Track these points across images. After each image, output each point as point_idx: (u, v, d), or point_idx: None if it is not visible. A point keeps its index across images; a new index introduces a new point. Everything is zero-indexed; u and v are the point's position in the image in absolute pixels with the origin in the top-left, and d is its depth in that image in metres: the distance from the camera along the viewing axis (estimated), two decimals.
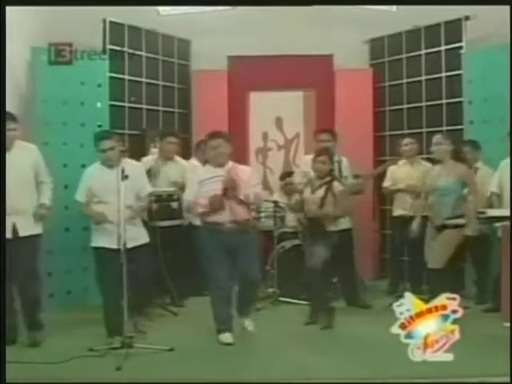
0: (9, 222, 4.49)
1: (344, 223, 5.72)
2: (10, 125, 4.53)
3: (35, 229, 4.69)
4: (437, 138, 5.17)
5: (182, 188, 5.97)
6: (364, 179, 5.97)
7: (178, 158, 6.14)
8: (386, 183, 6.33)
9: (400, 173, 6.20)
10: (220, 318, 4.78)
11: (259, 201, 5.07)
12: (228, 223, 4.72)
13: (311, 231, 5.26)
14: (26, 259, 4.60)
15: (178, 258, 5.87)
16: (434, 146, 5.13)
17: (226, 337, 4.70)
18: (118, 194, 4.39)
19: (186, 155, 6.60)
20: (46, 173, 4.84)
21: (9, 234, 4.50)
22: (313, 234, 5.23)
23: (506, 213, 4.91)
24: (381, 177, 6.38)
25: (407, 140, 6.27)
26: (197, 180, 4.85)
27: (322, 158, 5.28)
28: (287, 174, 6.87)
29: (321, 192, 5.22)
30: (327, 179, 5.28)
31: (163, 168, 5.94)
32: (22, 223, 4.58)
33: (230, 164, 4.85)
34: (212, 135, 4.88)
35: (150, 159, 6.04)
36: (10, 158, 4.51)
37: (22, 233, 4.58)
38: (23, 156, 4.66)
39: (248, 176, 4.88)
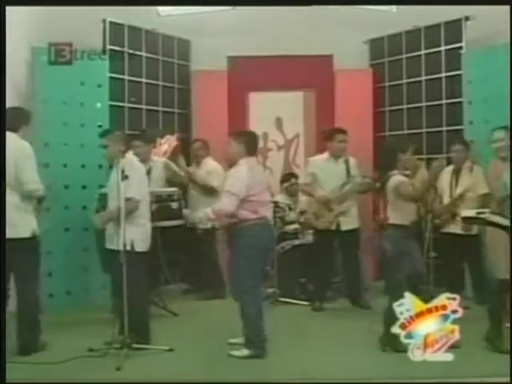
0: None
1: (352, 223, 5.72)
2: None
3: None
4: None
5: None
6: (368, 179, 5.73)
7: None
8: None
9: None
10: None
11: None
12: None
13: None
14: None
15: (177, 258, 5.88)
16: None
17: None
18: (118, 193, 4.39)
19: (187, 155, 6.58)
20: None
21: None
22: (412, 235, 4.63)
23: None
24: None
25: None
26: None
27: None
28: (290, 176, 6.82)
29: None
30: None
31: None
32: None
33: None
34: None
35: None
36: None
37: None
38: None
39: None
